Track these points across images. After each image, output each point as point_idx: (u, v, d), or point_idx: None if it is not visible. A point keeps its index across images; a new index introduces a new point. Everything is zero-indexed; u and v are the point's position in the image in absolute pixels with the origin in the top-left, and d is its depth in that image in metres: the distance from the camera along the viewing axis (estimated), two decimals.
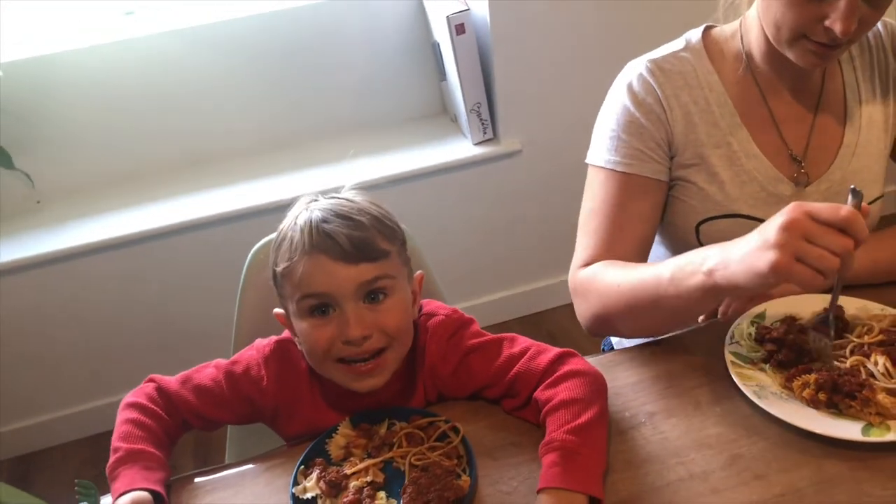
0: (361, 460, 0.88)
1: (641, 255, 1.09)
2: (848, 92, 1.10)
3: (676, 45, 1.11)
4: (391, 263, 0.90)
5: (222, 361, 0.98)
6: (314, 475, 0.86)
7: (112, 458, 0.87)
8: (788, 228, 0.78)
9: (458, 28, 2.01)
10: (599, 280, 1.03)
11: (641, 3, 2.09)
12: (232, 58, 2.16)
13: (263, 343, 0.98)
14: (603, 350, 1.44)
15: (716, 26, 1.13)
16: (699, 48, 1.10)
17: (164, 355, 2.16)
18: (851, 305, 0.98)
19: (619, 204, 1.07)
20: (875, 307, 0.97)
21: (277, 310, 0.96)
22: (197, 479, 0.93)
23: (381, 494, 0.83)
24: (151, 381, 0.96)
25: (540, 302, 2.49)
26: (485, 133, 2.22)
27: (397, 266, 0.92)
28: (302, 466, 0.88)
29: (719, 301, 0.91)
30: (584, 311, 1.07)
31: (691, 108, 1.07)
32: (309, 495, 0.84)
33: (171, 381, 0.96)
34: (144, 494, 0.83)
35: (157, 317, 2.15)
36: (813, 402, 0.86)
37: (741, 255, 0.82)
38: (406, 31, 2.27)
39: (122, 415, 0.92)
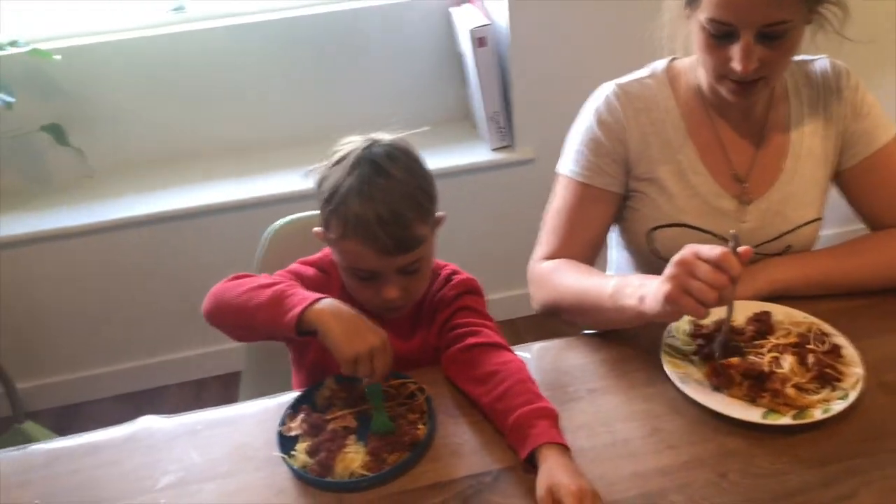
0: (341, 409, 1.03)
1: (591, 254, 1.24)
2: (792, 122, 1.22)
3: (643, 72, 1.26)
4: (426, 245, 1.05)
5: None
6: (299, 418, 1.02)
7: (269, 293, 0.98)
8: (678, 264, 0.93)
9: (480, 41, 2.16)
10: (556, 276, 1.18)
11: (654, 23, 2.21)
12: (272, 55, 2.34)
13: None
14: None
15: (678, 58, 1.26)
16: (662, 76, 1.24)
17: (190, 324, 2.35)
18: (779, 311, 1.10)
19: (576, 208, 1.23)
20: (798, 314, 1.10)
21: (318, 229, 1.08)
22: (195, 417, 1.07)
23: (352, 437, 0.99)
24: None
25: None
26: (502, 140, 2.37)
27: (430, 240, 1.06)
28: (290, 410, 1.04)
29: (647, 321, 1.03)
30: (539, 298, 1.22)
31: (648, 129, 1.21)
32: (292, 434, 1.00)
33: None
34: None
35: (182, 289, 2.32)
36: (736, 387, 0.99)
37: (655, 288, 0.96)
38: (436, 38, 2.42)
39: (236, 283, 1.05)
